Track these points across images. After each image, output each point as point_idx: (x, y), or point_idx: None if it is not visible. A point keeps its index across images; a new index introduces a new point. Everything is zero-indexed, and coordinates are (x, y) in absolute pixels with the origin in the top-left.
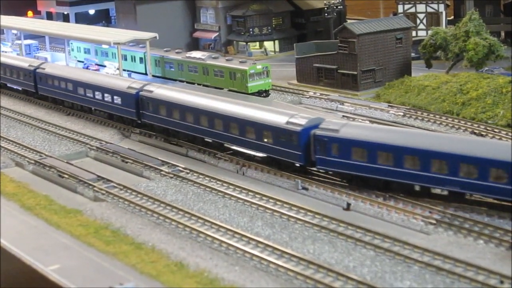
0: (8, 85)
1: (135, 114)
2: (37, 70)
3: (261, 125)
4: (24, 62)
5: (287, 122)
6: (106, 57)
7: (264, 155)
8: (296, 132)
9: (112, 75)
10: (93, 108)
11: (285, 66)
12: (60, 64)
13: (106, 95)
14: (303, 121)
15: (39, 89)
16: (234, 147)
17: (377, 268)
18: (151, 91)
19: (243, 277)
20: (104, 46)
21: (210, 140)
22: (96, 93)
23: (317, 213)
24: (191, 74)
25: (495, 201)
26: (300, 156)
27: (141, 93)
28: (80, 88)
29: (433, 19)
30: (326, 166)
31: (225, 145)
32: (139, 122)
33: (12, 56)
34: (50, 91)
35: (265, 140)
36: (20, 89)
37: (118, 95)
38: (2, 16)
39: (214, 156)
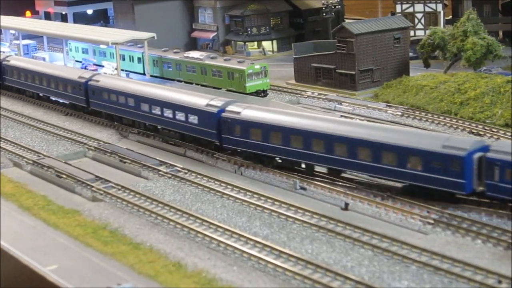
0: (52, 98)
1: (215, 136)
2: (90, 83)
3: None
4: (73, 73)
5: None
6: (104, 57)
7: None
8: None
9: (187, 91)
10: (159, 127)
11: (283, 66)
12: (114, 76)
13: (178, 113)
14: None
15: (91, 103)
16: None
17: (375, 268)
18: (237, 112)
19: (241, 277)
20: (102, 46)
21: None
22: (166, 110)
23: (315, 213)
24: (189, 74)
25: (494, 201)
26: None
27: (223, 114)
28: (144, 104)
29: (431, 18)
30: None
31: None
32: (220, 145)
33: (58, 67)
34: (105, 106)
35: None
36: (68, 103)
37: (194, 114)
38: (1, 16)
39: (212, 156)
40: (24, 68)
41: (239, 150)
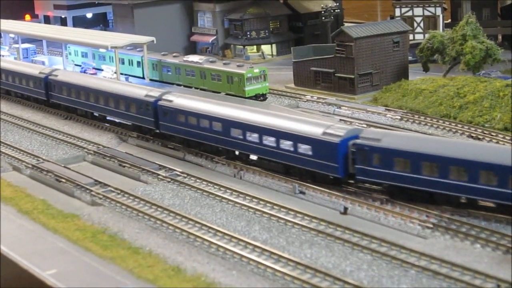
0: (111, 118)
1: (338, 169)
2: (159, 103)
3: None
4: (138, 90)
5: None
6: (104, 61)
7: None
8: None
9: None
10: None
11: (283, 70)
12: (186, 96)
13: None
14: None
15: (161, 126)
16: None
17: (374, 272)
18: (377, 139)
19: (240, 281)
20: (101, 50)
21: None
22: (266, 137)
23: (314, 218)
24: (188, 78)
25: (492, 205)
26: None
27: (355, 141)
28: (241, 131)
29: (430, 22)
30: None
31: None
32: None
33: (120, 82)
34: (179, 130)
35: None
36: (130, 124)
37: (307, 144)
38: (0, 20)
39: (212, 160)
40: (76, 84)
41: (376, 183)
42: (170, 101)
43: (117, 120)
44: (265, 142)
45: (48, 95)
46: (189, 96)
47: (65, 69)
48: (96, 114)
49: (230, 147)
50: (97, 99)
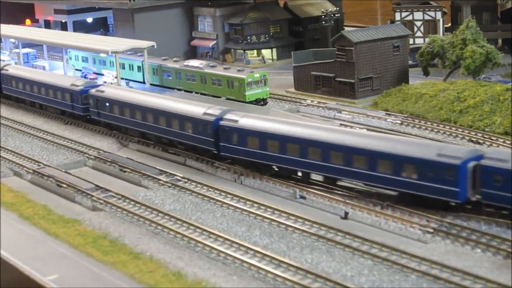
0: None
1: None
2: (221, 123)
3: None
4: (197, 108)
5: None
6: (104, 65)
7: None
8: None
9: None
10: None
11: (283, 74)
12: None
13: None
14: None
15: (223, 148)
16: None
17: (375, 277)
18: None
19: (241, 286)
20: (102, 54)
21: None
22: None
23: (315, 222)
24: (189, 83)
25: (493, 210)
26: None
27: None
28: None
29: (430, 26)
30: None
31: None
32: None
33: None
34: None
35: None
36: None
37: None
38: (1, 25)
39: (212, 165)
40: (122, 101)
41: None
42: (235, 121)
43: (170, 140)
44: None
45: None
46: (255, 115)
47: (111, 83)
48: (139, 131)
49: (309, 170)
50: (146, 117)
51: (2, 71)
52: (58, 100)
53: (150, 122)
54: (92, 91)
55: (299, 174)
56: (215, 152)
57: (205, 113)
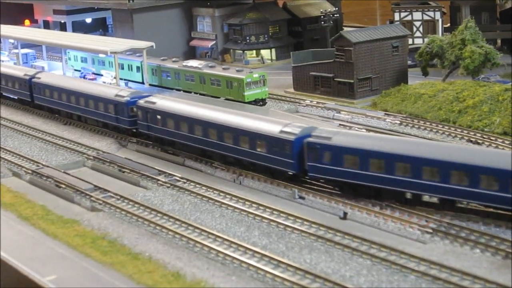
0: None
1: None
2: (308, 140)
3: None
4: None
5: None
6: (103, 66)
7: None
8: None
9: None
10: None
11: (282, 75)
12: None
13: None
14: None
15: (310, 167)
16: None
17: (374, 277)
18: None
19: (240, 287)
20: (101, 55)
21: None
22: None
23: (313, 223)
24: (187, 83)
25: (491, 210)
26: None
27: None
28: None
29: (429, 26)
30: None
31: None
32: None
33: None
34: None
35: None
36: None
37: None
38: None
39: (211, 166)
40: (176, 113)
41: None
42: (328, 138)
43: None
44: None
45: (132, 123)
46: (353, 132)
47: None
48: (199, 148)
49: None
50: (207, 133)
51: (34, 79)
52: (101, 112)
53: (214, 139)
54: (141, 102)
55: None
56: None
57: (282, 131)
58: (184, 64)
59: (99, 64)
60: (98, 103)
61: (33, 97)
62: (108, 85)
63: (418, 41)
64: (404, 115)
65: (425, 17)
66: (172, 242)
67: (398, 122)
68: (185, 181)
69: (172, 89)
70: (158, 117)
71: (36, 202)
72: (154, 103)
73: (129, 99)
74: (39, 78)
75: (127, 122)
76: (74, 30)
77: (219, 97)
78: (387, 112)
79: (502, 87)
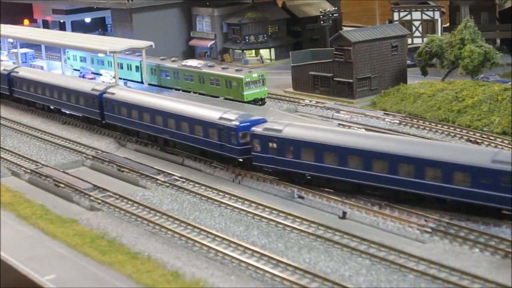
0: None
1: None
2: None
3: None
4: None
5: (220, 117)
6: (102, 65)
7: None
8: None
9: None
10: None
11: (281, 74)
12: None
13: None
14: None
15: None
16: None
17: (373, 277)
18: None
19: (239, 286)
20: (100, 54)
21: None
22: None
23: (313, 222)
24: (187, 83)
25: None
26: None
27: None
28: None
29: (428, 26)
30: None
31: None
32: None
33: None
34: None
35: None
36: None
37: None
38: None
39: (210, 165)
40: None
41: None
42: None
43: None
44: None
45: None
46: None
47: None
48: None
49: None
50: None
51: (105, 96)
52: (200, 138)
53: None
54: (258, 130)
55: None
56: None
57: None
58: (183, 63)
59: (98, 64)
60: (194, 126)
61: (104, 116)
62: (205, 105)
63: (418, 40)
64: (403, 115)
65: (424, 17)
66: (171, 242)
67: (397, 121)
68: (184, 180)
69: (171, 88)
70: (292, 148)
71: (35, 202)
72: (279, 130)
73: (238, 124)
74: (113, 93)
75: (237, 152)
76: (73, 30)
77: (218, 97)
78: (386, 112)
79: (502, 86)
